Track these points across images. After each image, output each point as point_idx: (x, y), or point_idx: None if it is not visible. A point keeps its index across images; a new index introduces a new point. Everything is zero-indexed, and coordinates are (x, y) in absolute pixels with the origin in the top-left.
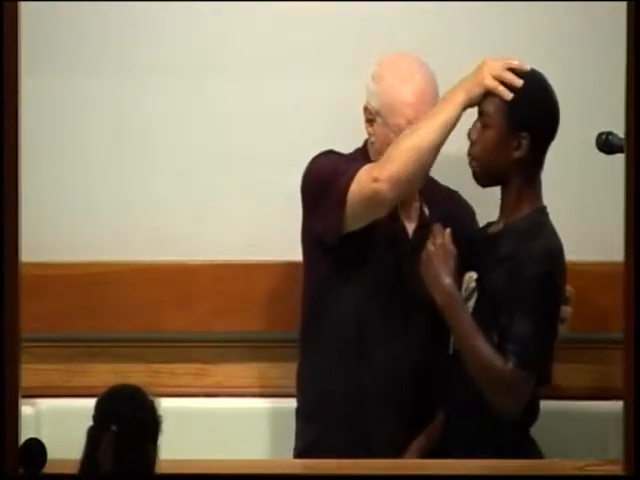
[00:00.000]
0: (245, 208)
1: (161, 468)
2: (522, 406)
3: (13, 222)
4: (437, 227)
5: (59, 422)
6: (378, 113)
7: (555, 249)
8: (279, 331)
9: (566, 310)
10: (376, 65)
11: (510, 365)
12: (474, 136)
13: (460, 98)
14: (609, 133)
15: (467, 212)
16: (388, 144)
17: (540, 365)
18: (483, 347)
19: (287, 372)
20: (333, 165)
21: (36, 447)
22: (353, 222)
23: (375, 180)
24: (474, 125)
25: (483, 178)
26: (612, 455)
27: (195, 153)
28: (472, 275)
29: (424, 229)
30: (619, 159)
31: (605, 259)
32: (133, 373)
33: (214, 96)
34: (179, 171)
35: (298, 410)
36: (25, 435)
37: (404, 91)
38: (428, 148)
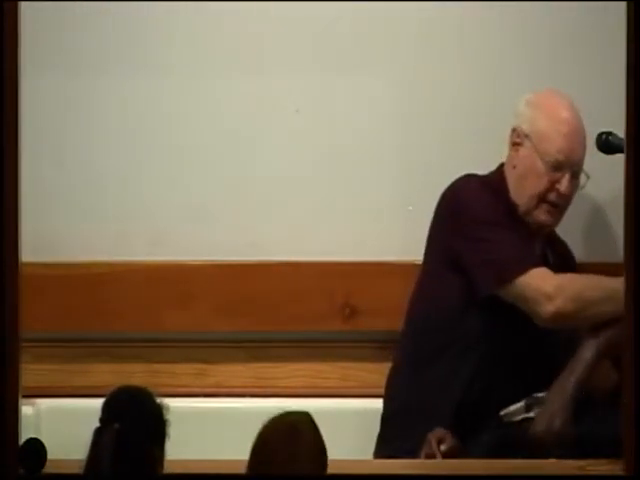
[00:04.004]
0: (245, 208)
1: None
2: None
3: (13, 222)
4: None
5: (59, 422)
6: (527, 137)
7: None
8: (279, 331)
9: None
10: (531, 94)
11: None
12: None
13: None
14: (609, 133)
15: (572, 255)
16: (532, 170)
17: None
18: None
19: (287, 372)
20: (487, 216)
21: (36, 447)
22: (508, 297)
23: (548, 298)
24: None
25: None
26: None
27: (195, 153)
28: None
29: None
30: (619, 159)
31: (605, 260)
32: (133, 373)
33: (214, 96)
34: (179, 171)
35: (385, 416)
36: (25, 435)
37: (561, 120)
38: (604, 312)
